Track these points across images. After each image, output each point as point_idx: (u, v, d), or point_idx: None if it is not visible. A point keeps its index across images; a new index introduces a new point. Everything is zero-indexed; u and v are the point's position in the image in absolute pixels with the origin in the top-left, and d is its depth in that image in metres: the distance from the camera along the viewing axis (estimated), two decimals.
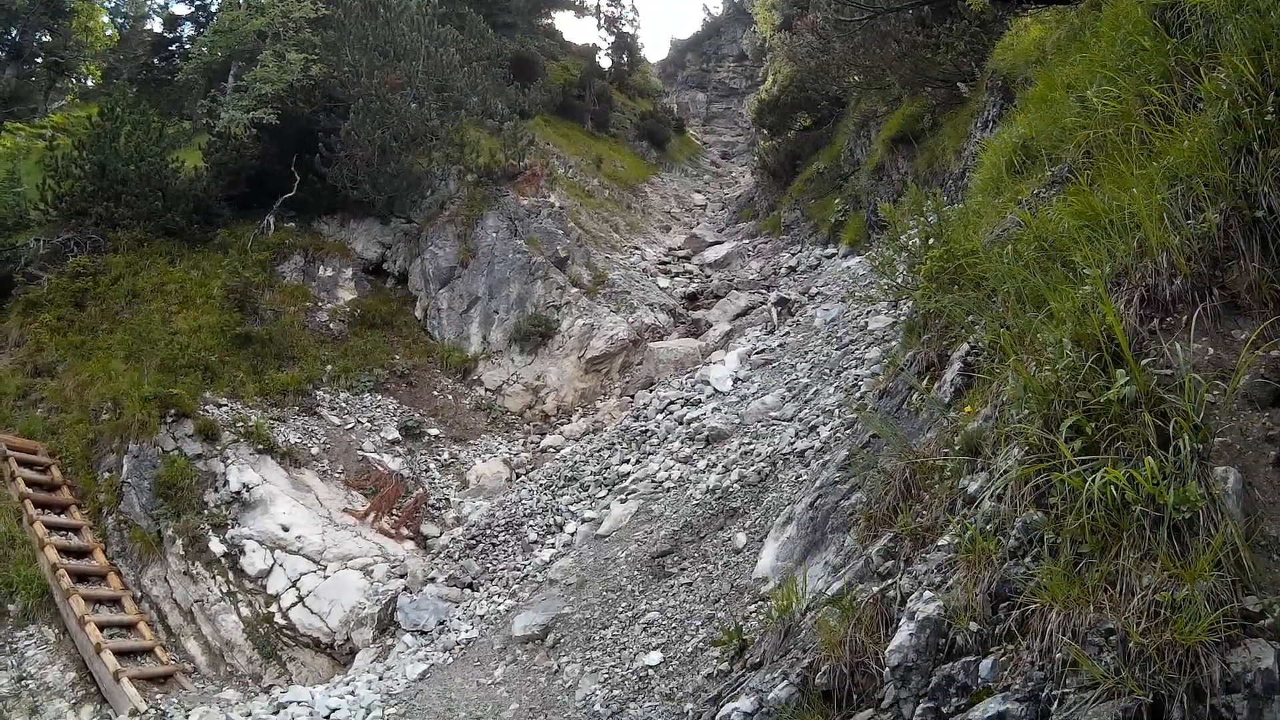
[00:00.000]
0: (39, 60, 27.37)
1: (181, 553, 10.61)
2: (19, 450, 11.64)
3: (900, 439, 4.90)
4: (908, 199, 6.96)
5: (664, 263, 20.22)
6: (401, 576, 10.14)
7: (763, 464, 9.11)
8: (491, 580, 9.73)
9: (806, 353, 11.76)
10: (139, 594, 10.52)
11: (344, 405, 13.88)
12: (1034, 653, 2.72)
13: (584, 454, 11.83)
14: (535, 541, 10.15)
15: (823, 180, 20.06)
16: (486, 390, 15.37)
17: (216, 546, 10.55)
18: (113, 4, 32.06)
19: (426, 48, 17.94)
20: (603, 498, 10.47)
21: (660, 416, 11.88)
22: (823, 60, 17.15)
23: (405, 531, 11.46)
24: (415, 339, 16.15)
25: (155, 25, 30.61)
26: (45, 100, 27.08)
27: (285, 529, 10.75)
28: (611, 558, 8.86)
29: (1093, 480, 2.76)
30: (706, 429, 10.70)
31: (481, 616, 9.05)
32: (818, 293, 14.41)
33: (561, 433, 13.95)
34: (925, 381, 5.36)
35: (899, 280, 6.55)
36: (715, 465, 9.75)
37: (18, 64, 26.49)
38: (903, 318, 7.80)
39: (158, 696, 8.98)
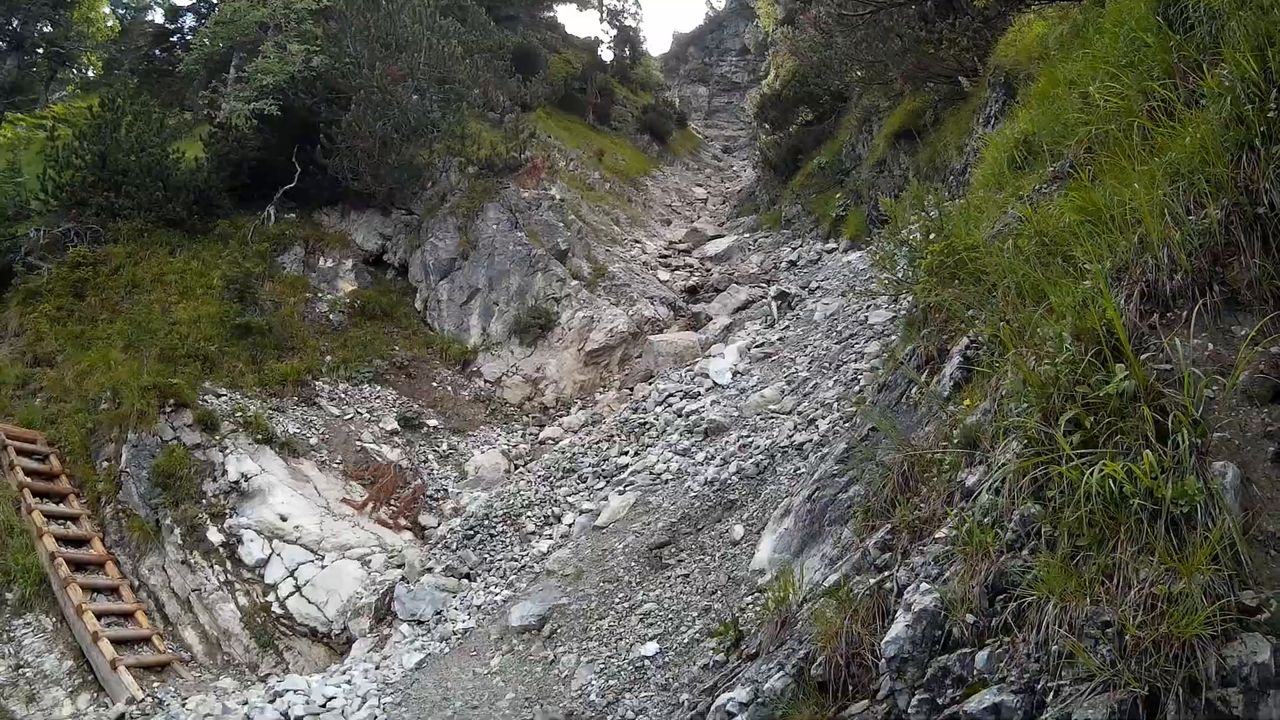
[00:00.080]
0: (40, 51, 27.26)
1: (179, 542, 10.63)
2: (18, 439, 11.63)
3: (899, 432, 4.91)
4: (909, 194, 6.94)
5: (664, 256, 20.17)
6: (399, 566, 10.16)
7: (761, 456, 9.13)
8: (489, 571, 9.74)
9: (806, 346, 11.77)
10: (136, 583, 10.53)
11: (343, 396, 13.89)
12: (1030, 645, 2.73)
13: (582, 446, 11.83)
14: (533, 532, 10.17)
15: (824, 175, 20.03)
16: (486, 382, 15.37)
17: (214, 536, 10.57)
18: None
19: (428, 40, 17.90)
20: (601, 489, 10.47)
21: (659, 409, 11.89)
22: (825, 55, 17.10)
23: (403, 522, 11.48)
24: (415, 330, 16.14)
25: (156, 16, 30.42)
26: (46, 91, 26.98)
27: (283, 519, 10.76)
28: (609, 549, 8.87)
29: (1091, 474, 2.76)
30: (705, 422, 10.70)
31: (478, 607, 9.07)
32: (818, 287, 14.41)
33: (560, 425, 13.95)
34: (924, 375, 5.36)
35: (899, 275, 6.54)
36: (714, 458, 9.76)
37: (19, 54, 26.40)
38: (903, 312, 7.79)
39: (154, 685, 9.01)
